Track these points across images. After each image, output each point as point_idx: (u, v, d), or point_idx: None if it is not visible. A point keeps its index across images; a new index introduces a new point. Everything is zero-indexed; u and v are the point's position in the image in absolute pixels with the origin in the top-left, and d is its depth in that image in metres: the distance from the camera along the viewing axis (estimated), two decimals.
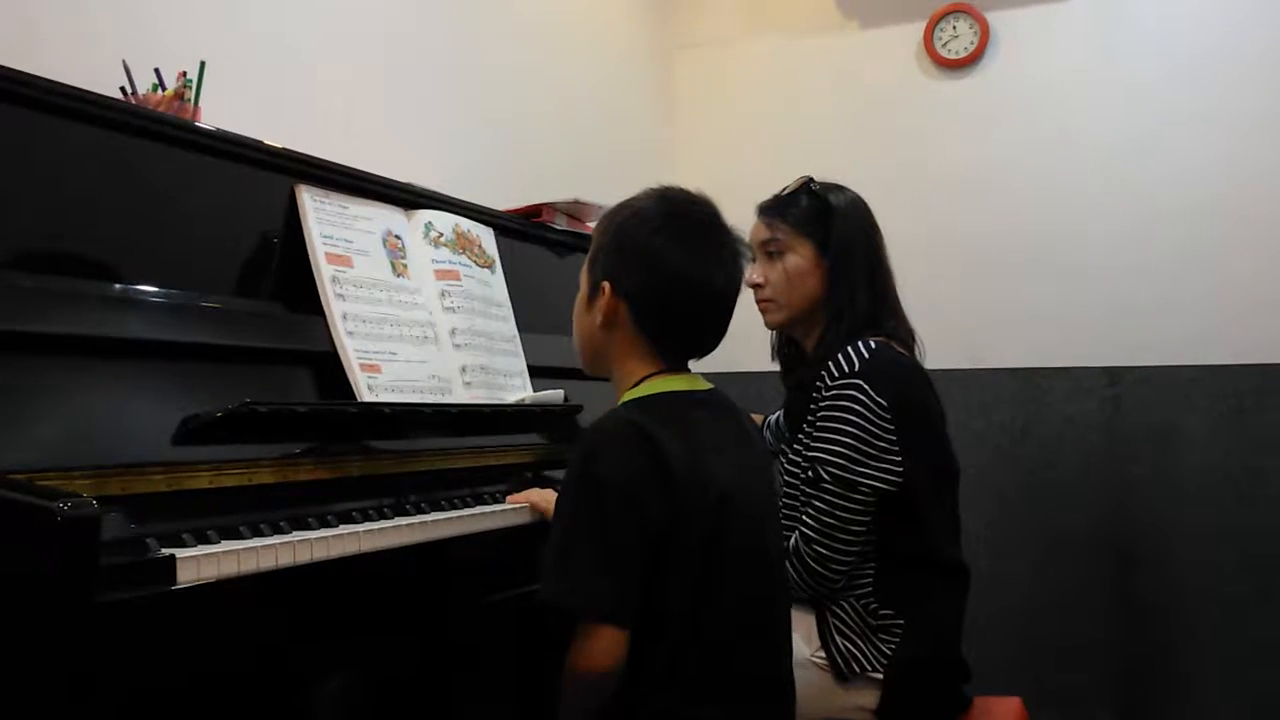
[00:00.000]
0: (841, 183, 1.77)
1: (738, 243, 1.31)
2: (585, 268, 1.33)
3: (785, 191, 1.76)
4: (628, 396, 1.27)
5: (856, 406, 1.55)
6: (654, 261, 1.25)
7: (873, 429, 1.55)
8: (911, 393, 1.60)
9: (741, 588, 1.22)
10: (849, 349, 1.59)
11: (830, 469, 1.55)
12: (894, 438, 1.55)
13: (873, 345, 1.60)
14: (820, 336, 1.70)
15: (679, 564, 1.17)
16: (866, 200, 1.76)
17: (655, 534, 1.16)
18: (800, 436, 1.65)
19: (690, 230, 1.27)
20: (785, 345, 1.84)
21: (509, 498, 1.52)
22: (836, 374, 1.58)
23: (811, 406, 1.62)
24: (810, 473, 1.58)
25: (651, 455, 1.17)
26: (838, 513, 1.54)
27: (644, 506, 1.16)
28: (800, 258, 1.71)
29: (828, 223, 1.69)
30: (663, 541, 1.17)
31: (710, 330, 1.30)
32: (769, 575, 1.30)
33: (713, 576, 1.19)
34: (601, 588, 1.15)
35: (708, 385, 1.32)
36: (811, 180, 1.75)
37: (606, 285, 1.27)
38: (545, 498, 1.49)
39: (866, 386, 1.55)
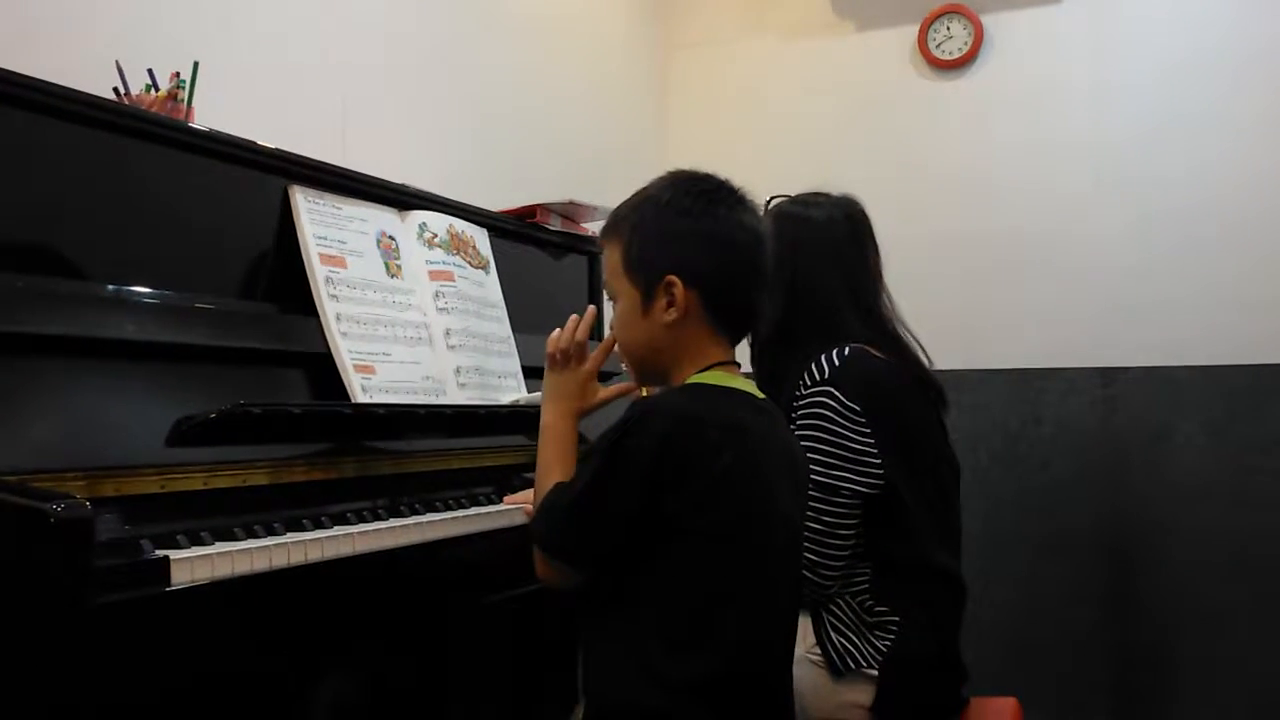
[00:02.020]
0: (837, 183, 1.76)
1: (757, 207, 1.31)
2: (619, 276, 1.25)
3: None
4: (696, 379, 1.22)
5: (828, 412, 1.56)
6: (719, 243, 1.21)
7: (846, 432, 1.55)
8: (885, 397, 1.60)
9: (773, 592, 1.22)
10: (822, 357, 1.60)
11: (811, 475, 1.55)
12: (870, 441, 1.55)
13: (846, 353, 1.60)
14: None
15: (716, 567, 1.16)
16: (861, 201, 1.75)
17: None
18: None
19: (736, 205, 1.25)
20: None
21: (505, 498, 1.52)
22: (809, 382, 1.59)
23: (792, 415, 1.62)
24: None
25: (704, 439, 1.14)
26: (824, 518, 1.55)
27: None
28: None
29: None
30: (690, 533, 1.15)
31: (761, 301, 1.28)
32: (795, 578, 1.30)
33: (746, 582, 1.18)
34: None
35: (761, 394, 1.28)
36: (773, 199, 1.73)
37: (676, 279, 1.20)
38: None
39: (837, 393, 1.56)
